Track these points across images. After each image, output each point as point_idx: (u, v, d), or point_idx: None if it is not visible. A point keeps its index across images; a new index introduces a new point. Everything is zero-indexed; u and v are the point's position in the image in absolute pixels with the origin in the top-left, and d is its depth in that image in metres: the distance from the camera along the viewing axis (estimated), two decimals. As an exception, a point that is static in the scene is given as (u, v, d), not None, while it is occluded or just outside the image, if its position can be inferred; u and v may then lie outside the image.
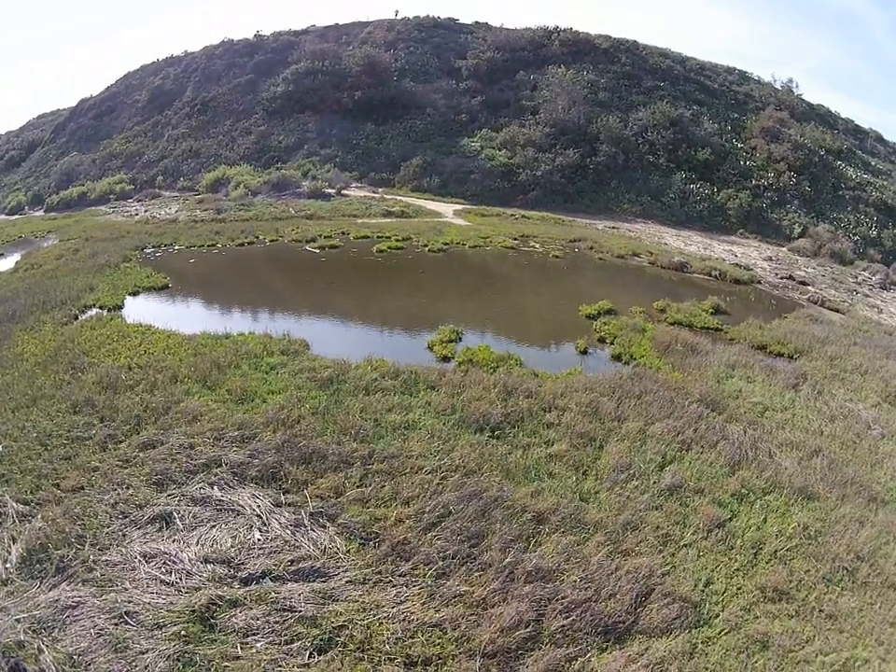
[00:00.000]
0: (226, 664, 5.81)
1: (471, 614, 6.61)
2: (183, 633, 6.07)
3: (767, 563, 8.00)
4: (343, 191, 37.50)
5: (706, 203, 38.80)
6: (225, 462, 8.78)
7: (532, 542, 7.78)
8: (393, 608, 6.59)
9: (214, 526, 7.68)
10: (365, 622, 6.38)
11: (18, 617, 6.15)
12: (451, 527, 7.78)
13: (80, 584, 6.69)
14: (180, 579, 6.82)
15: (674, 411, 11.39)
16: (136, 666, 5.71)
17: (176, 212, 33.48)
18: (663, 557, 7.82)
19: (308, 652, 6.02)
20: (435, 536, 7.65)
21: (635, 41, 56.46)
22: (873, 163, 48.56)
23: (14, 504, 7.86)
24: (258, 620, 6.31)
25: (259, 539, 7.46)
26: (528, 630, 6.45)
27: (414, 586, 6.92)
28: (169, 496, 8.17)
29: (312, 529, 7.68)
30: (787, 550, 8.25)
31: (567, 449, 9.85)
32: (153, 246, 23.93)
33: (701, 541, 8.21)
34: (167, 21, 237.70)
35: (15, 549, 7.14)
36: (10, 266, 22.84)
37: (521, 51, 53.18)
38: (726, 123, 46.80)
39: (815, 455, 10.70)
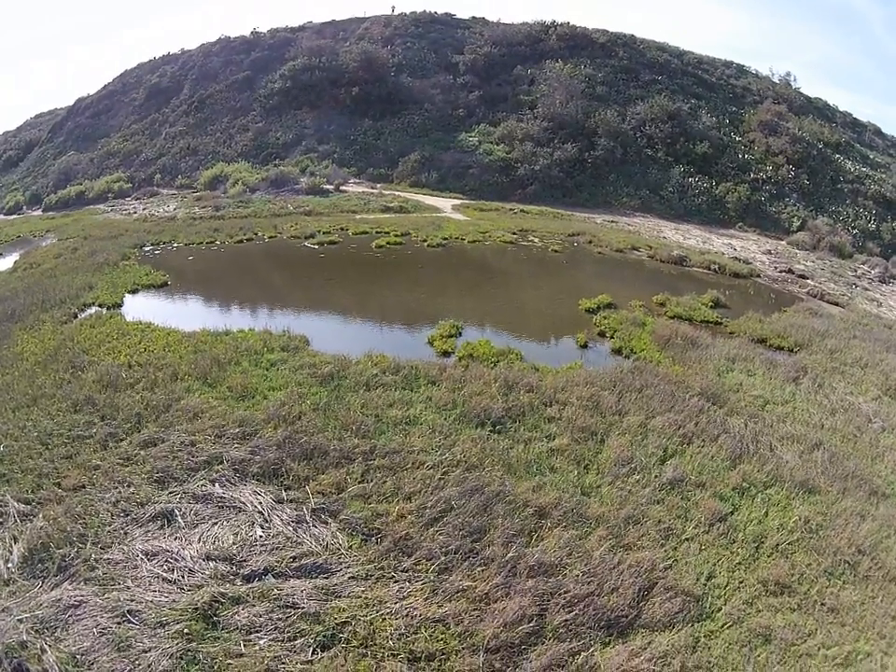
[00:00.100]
0: (229, 661, 5.81)
1: (474, 609, 6.61)
2: (186, 631, 6.07)
3: (769, 556, 8.00)
4: (341, 187, 37.39)
5: (704, 196, 38.76)
6: (226, 459, 8.77)
7: (534, 537, 7.78)
8: (396, 603, 6.58)
9: (215, 524, 7.68)
10: (368, 618, 6.38)
11: (20, 617, 6.14)
12: (453, 522, 7.78)
13: (82, 583, 6.68)
14: (182, 576, 6.81)
15: (675, 404, 11.39)
16: (139, 665, 5.70)
17: (175, 210, 33.37)
18: (665, 551, 7.82)
19: (311, 649, 6.02)
20: (437, 531, 7.65)
21: (632, 35, 56.31)
22: (871, 157, 48.47)
23: (15, 503, 7.85)
24: (260, 617, 6.30)
25: (260, 536, 7.45)
26: (531, 625, 6.45)
27: (417, 582, 6.92)
28: (170, 493, 8.16)
29: (314, 525, 7.68)
30: (788, 543, 8.25)
31: (568, 443, 9.85)
32: (152, 244, 23.85)
33: (703, 535, 8.21)
34: (167, 20, 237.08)
35: (17, 548, 7.12)
36: (9, 266, 22.75)
37: (518, 46, 53.04)
38: (724, 117, 46.72)
39: (816, 448, 10.70)
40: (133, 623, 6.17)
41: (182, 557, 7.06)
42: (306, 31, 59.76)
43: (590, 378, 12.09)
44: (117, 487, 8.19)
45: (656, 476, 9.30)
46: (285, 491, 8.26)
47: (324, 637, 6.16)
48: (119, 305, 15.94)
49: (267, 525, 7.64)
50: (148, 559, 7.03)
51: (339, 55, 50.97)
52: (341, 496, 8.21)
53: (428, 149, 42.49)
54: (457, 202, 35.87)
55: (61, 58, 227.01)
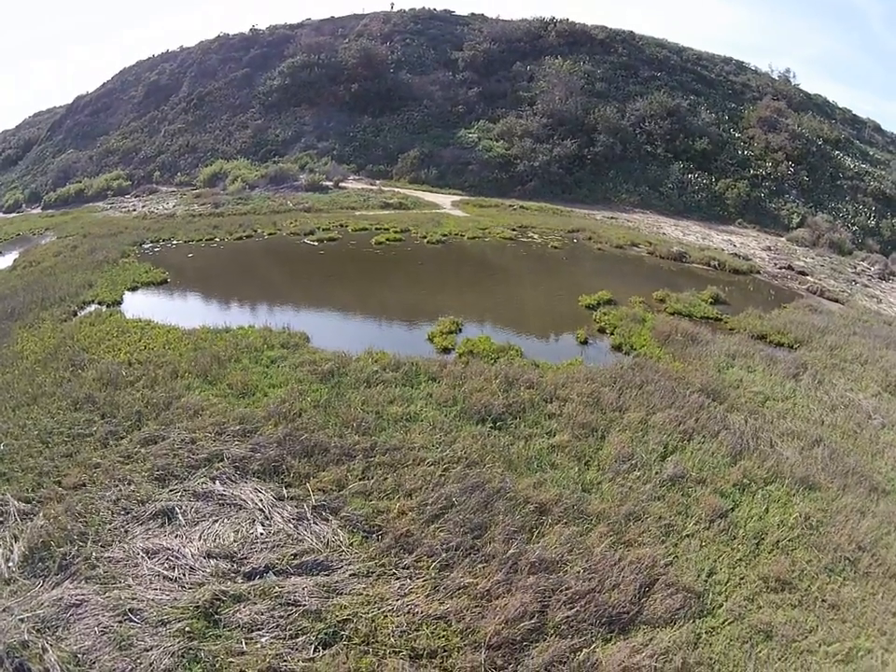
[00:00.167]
0: (231, 659, 5.81)
1: (476, 606, 6.61)
2: (187, 629, 6.07)
3: (770, 553, 8.01)
4: (340, 184, 37.34)
5: (704, 192, 38.71)
6: (227, 456, 8.77)
7: (535, 533, 7.78)
8: (397, 600, 6.59)
9: (216, 521, 7.67)
10: (369, 615, 6.38)
11: (21, 616, 6.14)
12: (454, 519, 7.79)
13: (83, 582, 6.68)
14: (183, 574, 6.81)
15: (675, 401, 11.39)
16: (141, 664, 5.70)
17: (174, 207, 33.35)
18: (666, 548, 7.83)
19: (313, 646, 6.02)
20: (438, 528, 7.65)
21: (631, 32, 56.17)
22: (871, 153, 48.41)
23: (16, 502, 7.85)
24: (262, 614, 6.31)
25: (261, 534, 7.45)
26: (533, 621, 6.46)
27: (418, 579, 6.92)
28: (171, 491, 8.16)
29: (315, 523, 7.68)
30: (789, 540, 8.27)
31: (568, 440, 9.85)
32: (151, 242, 23.84)
33: (703, 531, 8.22)
34: (167, 20, 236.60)
35: (17, 547, 7.12)
36: (9, 264, 22.79)
37: (517, 42, 52.89)
38: (724, 113, 46.62)
39: (816, 444, 10.71)
40: (135, 622, 6.17)
41: (183, 555, 7.06)
42: (305, 28, 59.57)
43: (590, 374, 12.09)
44: (117, 485, 8.18)
45: (657, 472, 9.31)
46: (285, 488, 8.27)
47: (325, 634, 6.16)
48: (119, 303, 15.93)
49: (268, 522, 7.64)
50: (149, 557, 7.03)
51: (338, 52, 50.87)
52: (341, 493, 8.21)
53: (428, 146, 42.41)
54: (457, 198, 35.83)
55: (61, 58, 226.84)
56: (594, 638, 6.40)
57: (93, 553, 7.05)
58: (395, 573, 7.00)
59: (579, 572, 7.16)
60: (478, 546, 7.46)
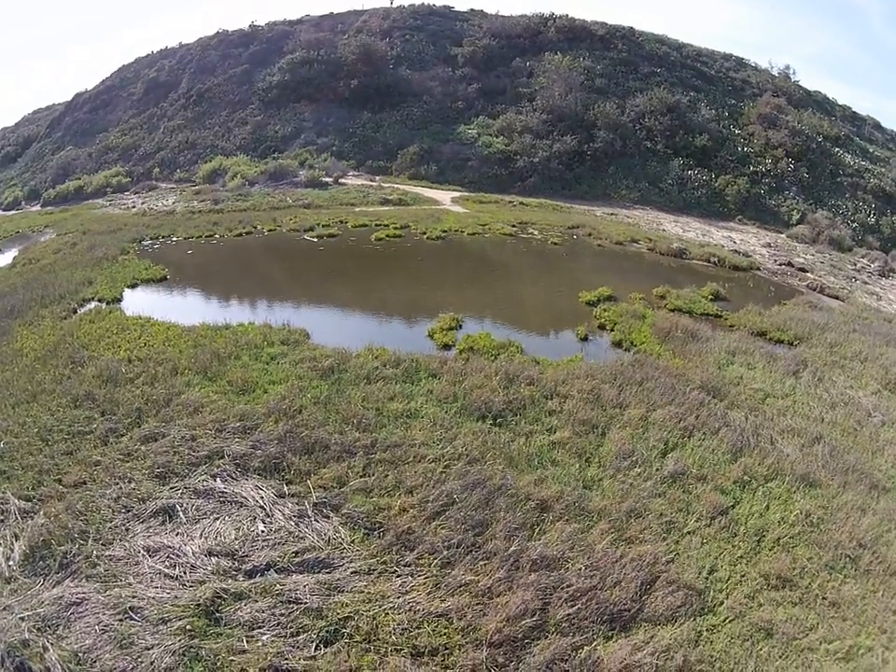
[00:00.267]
0: (232, 658, 5.81)
1: (477, 603, 6.62)
2: (188, 627, 6.07)
3: (770, 550, 8.02)
4: (340, 180, 37.32)
5: (704, 189, 38.64)
6: (227, 454, 8.77)
7: (536, 530, 7.79)
8: (398, 598, 6.59)
9: (217, 519, 7.67)
10: (371, 612, 6.38)
11: (22, 615, 6.14)
12: (455, 516, 7.79)
13: (84, 580, 6.68)
14: (184, 572, 6.81)
15: (675, 397, 11.38)
16: (142, 662, 5.70)
17: (174, 203, 33.33)
18: (667, 545, 7.83)
19: (314, 644, 6.02)
20: (439, 525, 7.66)
21: (631, 28, 56.01)
22: (871, 150, 48.33)
23: (16, 500, 7.84)
24: (263, 612, 6.31)
25: (262, 531, 7.45)
26: (534, 619, 6.46)
27: (420, 576, 6.92)
28: (171, 489, 8.15)
29: (315, 520, 7.68)
30: (790, 537, 8.27)
31: (569, 436, 9.85)
32: (151, 238, 23.81)
33: (704, 529, 8.22)
34: (167, 20, 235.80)
35: (18, 546, 7.12)
36: (8, 261, 22.75)
37: (517, 38, 52.80)
38: (723, 109, 46.51)
39: (816, 442, 10.70)
40: (136, 620, 6.17)
41: (184, 553, 7.05)
42: (304, 24, 59.40)
43: (591, 371, 12.08)
44: (118, 483, 8.18)
45: (657, 469, 9.31)
46: (286, 485, 8.27)
47: (327, 632, 6.16)
48: (119, 300, 15.91)
49: (269, 519, 7.64)
50: (150, 555, 7.03)
51: (337, 48, 50.71)
52: (342, 490, 8.21)
53: (427, 142, 42.33)
54: (457, 194, 35.77)
55: (61, 58, 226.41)
56: (595, 636, 6.40)
57: (94, 552, 7.05)
58: (396, 570, 7.00)
59: (580, 569, 7.16)
60: (479, 543, 7.46)
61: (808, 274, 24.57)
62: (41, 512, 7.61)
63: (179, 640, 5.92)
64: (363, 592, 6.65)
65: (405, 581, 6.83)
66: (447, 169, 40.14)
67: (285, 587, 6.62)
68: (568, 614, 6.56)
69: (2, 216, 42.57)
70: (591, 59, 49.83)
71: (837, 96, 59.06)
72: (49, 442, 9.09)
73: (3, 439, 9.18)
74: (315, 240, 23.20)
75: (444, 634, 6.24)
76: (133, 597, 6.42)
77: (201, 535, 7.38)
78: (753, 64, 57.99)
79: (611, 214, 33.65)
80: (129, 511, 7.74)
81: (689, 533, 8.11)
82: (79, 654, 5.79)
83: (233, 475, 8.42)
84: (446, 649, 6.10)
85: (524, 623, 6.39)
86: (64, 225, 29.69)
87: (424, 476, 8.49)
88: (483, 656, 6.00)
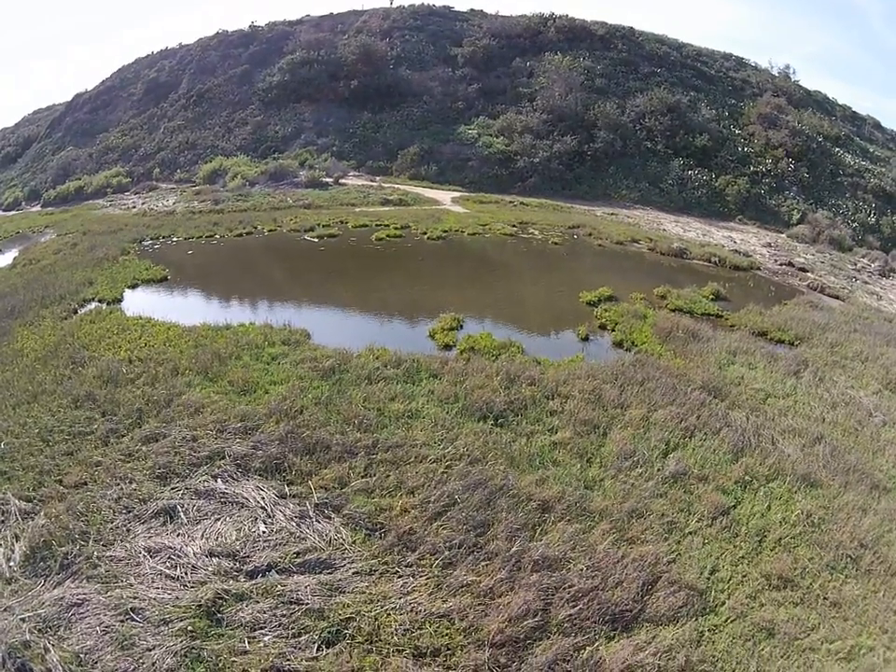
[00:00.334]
0: (233, 658, 5.80)
1: (479, 604, 6.61)
2: (190, 628, 6.06)
3: (772, 550, 8.01)
4: (340, 180, 37.32)
5: (704, 189, 38.62)
6: (228, 454, 8.76)
7: (538, 531, 7.78)
8: (400, 598, 6.58)
9: (218, 519, 7.67)
10: (372, 613, 6.38)
11: (23, 616, 6.13)
12: (456, 517, 7.78)
13: (85, 581, 6.67)
14: (185, 573, 6.80)
15: (676, 397, 11.37)
16: (143, 663, 5.69)
17: (174, 204, 33.33)
18: (668, 545, 7.83)
19: (316, 645, 6.01)
20: (441, 525, 7.65)
21: (631, 28, 55.98)
22: (871, 150, 48.32)
23: (17, 501, 7.83)
24: (264, 613, 6.30)
25: (264, 532, 7.45)
26: (536, 619, 6.46)
27: (421, 576, 6.92)
28: (172, 489, 8.15)
29: (317, 521, 7.67)
30: (791, 537, 8.27)
31: (570, 436, 9.84)
32: (151, 239, 23.82)
33: (706, 529, 8.21)
34: (167, 20, 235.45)
35: (18, 547, 7.11)
36: (8, 262, 22.76)
37: (517, 38, 52.79)
38: (724, 109, 46.49)
39: (817, 442, 10.70)
40: (137, 621, 6.17)
41: (185, 554, 7.05)
42: (304, 24, 59.40)
43: (592, 371, 12.07)
44: (118, 484, 8.17)
45: (659, 469, 9.30)
46: (287, 486, 8.26)
47: (328, 633, 6.16)
48: (119, 300, 15.92)
49: (270, 520, 7.63)
50: (151, 556, 7.03)
51: (337, 48, 50.72)
52: (344, 490, 8.21)
53: (428, 142, 42.33)
54: (457, 194, 35.77)
55: (61, 58, 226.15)
56: (597, 636, 6.40)
57: (95, 553, 7.04)
58: (398, 571, 6.99)
59: (582, 570, 7.16)
60: (481, 544, 7.45)
61: (809, 274, 24.55)
62: (42, 513, 7.61)
63: (181, 641, 5.91)
64: (365, 592, 6.64)
65: (407, 582, 6.83)
66: (447, 169, 40.15)
67: (286, 588, 6.61)
68: (570, 614, 6.55)
69: (2, 216, 42.60)
70: (591, 59, 49.80)
71: (837, 96, 59.01)
72: (49, 443, 9.09)
73: (3, 439, 9.17)
74: (316, 240, 23.20)
75: (446, 634, 6.24)
76: (135, 598, 6.42)
77: (202, 535, 7.37)
78: (753, 64, 57.98)
79: (612, 214, 33.64)
80: (130, 512, 7.73)
81: (690, 533, 8.10)
82: (81, 655, 5.79)
83: (234, 476, 8.41)
84: (448, 649, 6.10)
85: (525, 623, 6.38)
86: (65, 225, 29.70)
87: (425, 476, 8.48)
88: (485, 657, 6.00)
